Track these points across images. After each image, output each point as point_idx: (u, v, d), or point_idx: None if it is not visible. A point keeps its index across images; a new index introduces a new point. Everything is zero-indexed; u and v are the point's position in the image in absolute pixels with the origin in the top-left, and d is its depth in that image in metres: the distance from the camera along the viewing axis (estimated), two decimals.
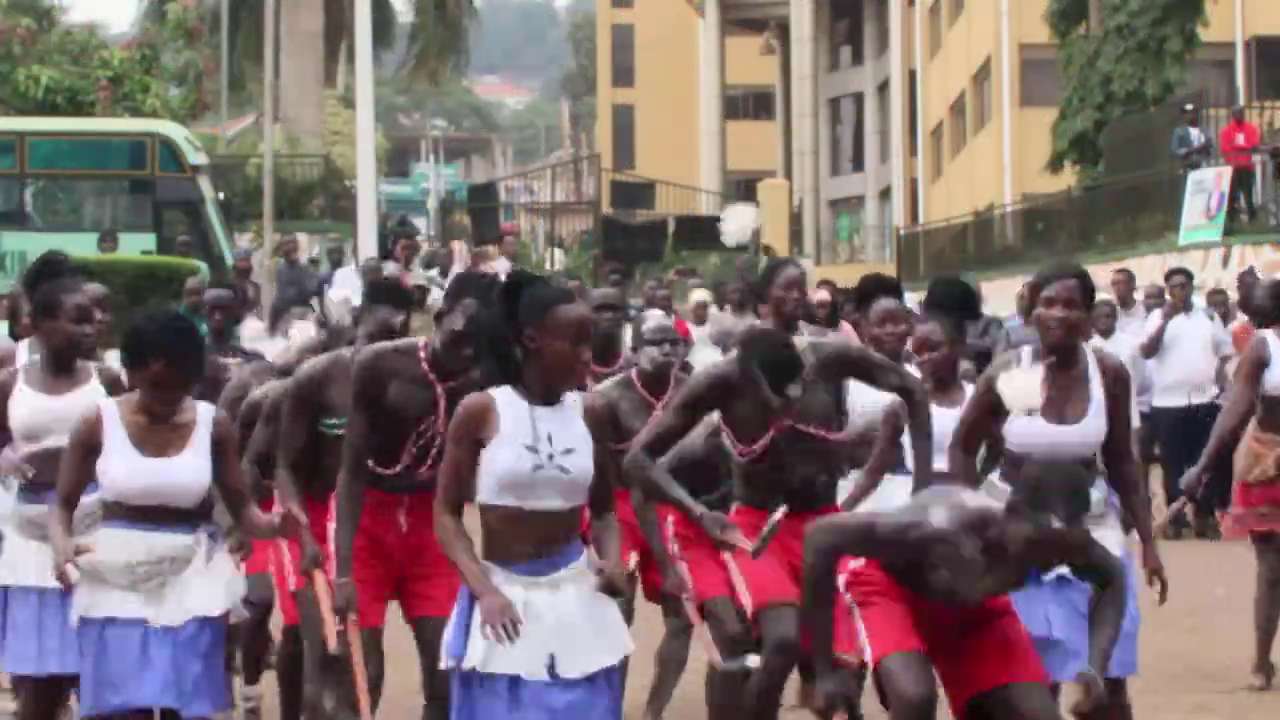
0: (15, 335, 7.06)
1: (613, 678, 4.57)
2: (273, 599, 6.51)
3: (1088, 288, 5.51)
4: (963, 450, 5.59)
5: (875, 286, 6.88)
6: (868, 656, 4.84)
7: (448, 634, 4.53)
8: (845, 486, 6.32)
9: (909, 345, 6.50)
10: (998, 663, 4.69)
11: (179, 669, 4.96)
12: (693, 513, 5.43)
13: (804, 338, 5.77)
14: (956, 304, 6.44)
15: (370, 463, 5.31)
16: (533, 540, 4.47)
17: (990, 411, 5.49)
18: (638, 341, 6.89)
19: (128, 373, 5.11)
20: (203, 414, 5.12)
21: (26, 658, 5.71)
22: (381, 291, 5.91)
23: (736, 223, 6.42)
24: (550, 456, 4.44)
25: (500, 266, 19.16)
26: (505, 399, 4.50)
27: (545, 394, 4.51)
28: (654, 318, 6.99)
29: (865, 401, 6.23)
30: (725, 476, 6.02)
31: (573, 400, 4.59)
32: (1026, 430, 5.36)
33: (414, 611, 5.40)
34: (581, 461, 4.50)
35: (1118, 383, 5.52)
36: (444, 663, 4.54)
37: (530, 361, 4.48)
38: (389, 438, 5.26)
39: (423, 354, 5.30)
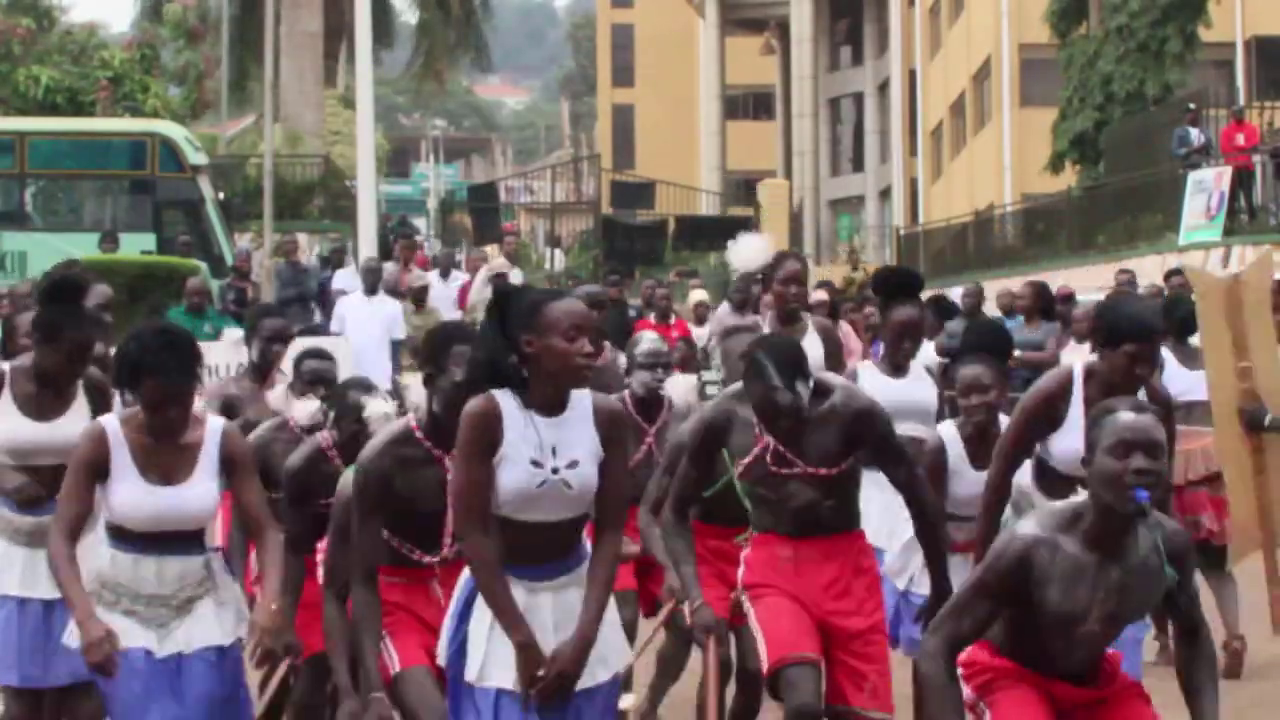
0: (6, 353, 6.73)
1: (606, 691, 4.50)
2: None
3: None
4: (1005, 476, 5.41)
5: (898, 283, 6.74)
6: None
7: (442, 645, 4.49)
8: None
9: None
10: None
11: (187, 704, 4.78)
12: (692, 596, 5.20)
13: (841, 383, 5.41)
14: (998, 347, 6.21)
15: (414, 553, 4.99)
16: (534, 547, 4.39)
17: (1038, 425, 5.37)
18: (630, 365, 6.77)
19: (138, 385, 4.80)
20: (211, 431, 4.89)
21: (8, 668, 5.61)
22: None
23: (745, 250, 6.21)
24: (555, 470, 4.32)
25: (500, 266, 19.15)
26: (510, 407, 4.33)
27: (551, 402, 4.36)
28: (646, 340, 6.79)
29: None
30: None
31: (581, 406, 4.42)
32: (1073, 446, 5.00)
33: None
34: (585, 475, 4.36)
35: None
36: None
37: (533, 368, 4.32)
38: (418, 531, 4.95)
39: (419, 433, 4.93)
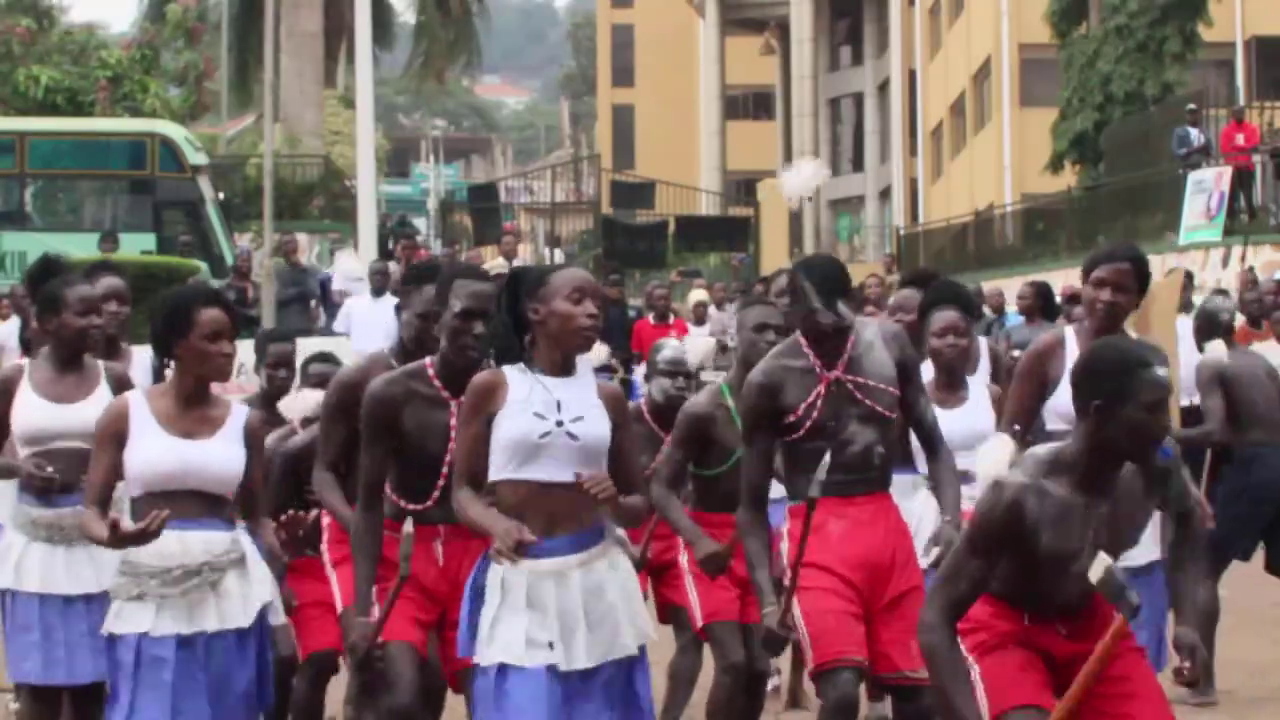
0: (25, 341, 6.84)
1: (625, 668, 4.50)
2: (295, 656, 6.10)
3: (1141, 272, 5.47)
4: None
5: (916, 277, 6.74)
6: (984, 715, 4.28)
7: (461, 631, 4.52)
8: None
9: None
10: (1126, 704, 4.28)
11: (217, 685, 4.74)
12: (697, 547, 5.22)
13: (871, 319, 5.53)
14: (963, 302, 6.39)
15: (401, 501, 5.04)
16: (544, 517, 4.41)
17: (1041, 384, 5.48)
18: (651, 371, 6.73)
19: (171, 347, 4.82)
20: (236, 409, 4.94)
21: (31, 668, 5.57)
22: (422, 273, 5.59)
23: (799, 177, 5.87)
24: (559, 423, 4.43)
25: (498, 267, 19.17)
26: (516, 374, 4.52)
27: (557, 366, 4.52)
28: (669, 348, 6.76)
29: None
30: None
31: (587, 375, 4.61)
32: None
33: (456, 663, 4.89)
34: (594, 429, 4.47)
35: None
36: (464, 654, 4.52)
37: (539, 335, 4.51)
38: (417, 473, 5.00)
39: (431, 371, 5.05)
